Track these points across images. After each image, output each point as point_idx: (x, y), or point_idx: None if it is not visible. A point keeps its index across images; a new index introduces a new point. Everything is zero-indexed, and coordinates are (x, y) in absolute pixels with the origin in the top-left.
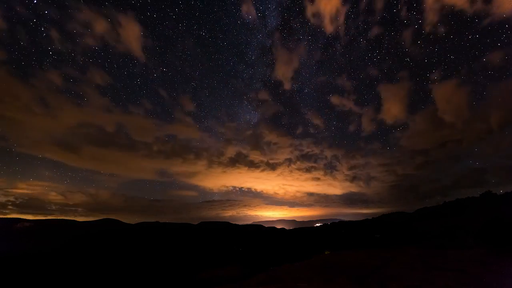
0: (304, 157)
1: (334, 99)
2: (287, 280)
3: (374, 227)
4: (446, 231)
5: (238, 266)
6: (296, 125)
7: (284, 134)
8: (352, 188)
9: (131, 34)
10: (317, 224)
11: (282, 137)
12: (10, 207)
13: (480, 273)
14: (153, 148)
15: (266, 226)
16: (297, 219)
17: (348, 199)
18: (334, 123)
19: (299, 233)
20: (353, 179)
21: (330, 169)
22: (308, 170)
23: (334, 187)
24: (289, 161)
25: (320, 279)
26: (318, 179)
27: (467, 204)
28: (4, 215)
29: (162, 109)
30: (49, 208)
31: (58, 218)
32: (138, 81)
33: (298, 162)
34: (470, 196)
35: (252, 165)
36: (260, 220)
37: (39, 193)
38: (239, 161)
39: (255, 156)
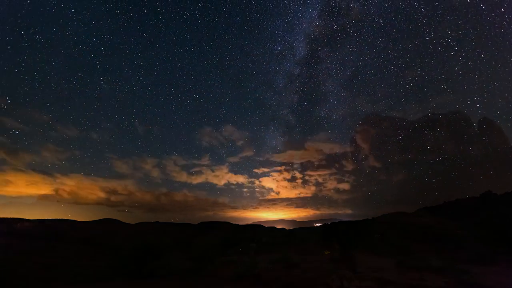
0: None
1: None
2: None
3: (374, 227)
4: (446, 231)
5: None
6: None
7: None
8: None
9: None
10: (317, 224)
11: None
12: None
13: (480, 273)
14: None
15: (266, 226)
16: (297, 219)
17: (349, 199)
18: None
19: (299, 233)
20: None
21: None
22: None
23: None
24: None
25: None
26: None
27: (467, 204)
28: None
29: None
30: None
31: (58, 218)
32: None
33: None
34: (470, 196)
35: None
36: (260, 220)
37: None
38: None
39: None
